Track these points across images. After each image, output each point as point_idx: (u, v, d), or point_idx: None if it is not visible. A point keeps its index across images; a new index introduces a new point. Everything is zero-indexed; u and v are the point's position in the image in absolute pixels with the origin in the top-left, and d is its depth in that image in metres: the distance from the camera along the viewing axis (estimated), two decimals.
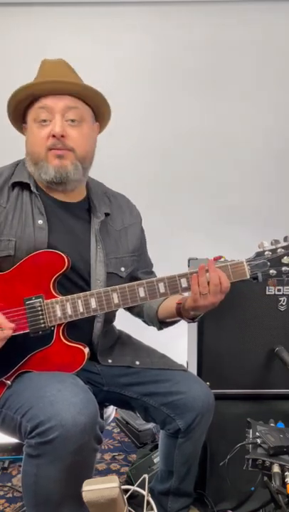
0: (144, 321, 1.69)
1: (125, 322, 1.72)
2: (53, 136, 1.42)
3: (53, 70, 1.47)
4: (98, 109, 1.53)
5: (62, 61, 1.51)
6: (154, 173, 2.69)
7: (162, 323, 1.62)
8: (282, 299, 1.79)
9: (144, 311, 1.64)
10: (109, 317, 1.61)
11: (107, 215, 1.58)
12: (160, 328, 1.64)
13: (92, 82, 1.48)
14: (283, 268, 1.36)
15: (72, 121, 1.45)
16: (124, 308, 1.68)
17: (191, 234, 2.67)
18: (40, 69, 1.50)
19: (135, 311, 1.69)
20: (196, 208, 2.72)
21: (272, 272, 1.36)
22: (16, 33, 2.55)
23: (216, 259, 1.46)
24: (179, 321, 1.59)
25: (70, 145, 1.44)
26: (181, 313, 1.48)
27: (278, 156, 2.71)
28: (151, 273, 1.73)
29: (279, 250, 1.37)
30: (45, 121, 1.44)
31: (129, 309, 1.70)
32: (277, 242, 1.38)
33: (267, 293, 1.79)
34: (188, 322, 1.53)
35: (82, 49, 2.47)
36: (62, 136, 1.42)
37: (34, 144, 1.45)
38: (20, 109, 1.50)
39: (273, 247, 1.37)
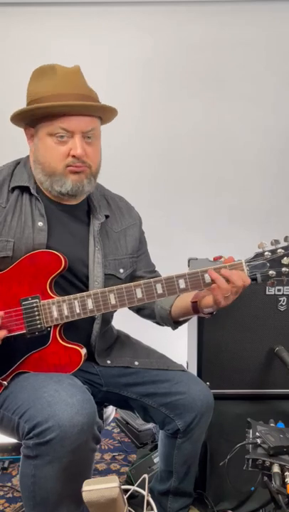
0: (157, 323, 1.66)
1: (125, 322, 1.71)
2: (73, 155, 1.41)
3: (70, 83, 1.42)
4: (107, 119, 1.53)
5: (78, 71, 1.46)
6: (154, 173, 2.69)
7: (176, 323, 1.60)
8: (282, 299, 1.79)
9: (156, 313, 1.61)
10: (107, 317, 1.60)
11: (106, 217, 1.58)
12: (175, 328, 1.62)
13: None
14: (283, 269, 1.32)
15: (89, 138, 1.44)
16: (133, 311, 1.68)
17: (191, 234, 2.67)
18: (57, 79, 1.41)
19: (145, 313, 1.66)
20: (196, 207, 2.71)
21: (271, 273, 1.33)
22: (16, 33, 2.55)
23: (216, 259, 1.45)
24: (192, 317, 1.59)
25: (88, 162, 1.44)
26: (198, 310, 1.46)
27: (278, 156, 2.70)
28: (154, 272, 1.71)
29: (279, 251, 1.33)
30: (62, 136, 1.41)
31: (138, 312, 1.68)
32: (277, 242, 1.34)
33: (267, 293, 1.78)
34: (207, 317, 1.51)
35: (81, 49, 2.47)
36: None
37: (51, 159, 1.43)
38: (26, 116, 1.45)
39: (273, 247, 1.33)
